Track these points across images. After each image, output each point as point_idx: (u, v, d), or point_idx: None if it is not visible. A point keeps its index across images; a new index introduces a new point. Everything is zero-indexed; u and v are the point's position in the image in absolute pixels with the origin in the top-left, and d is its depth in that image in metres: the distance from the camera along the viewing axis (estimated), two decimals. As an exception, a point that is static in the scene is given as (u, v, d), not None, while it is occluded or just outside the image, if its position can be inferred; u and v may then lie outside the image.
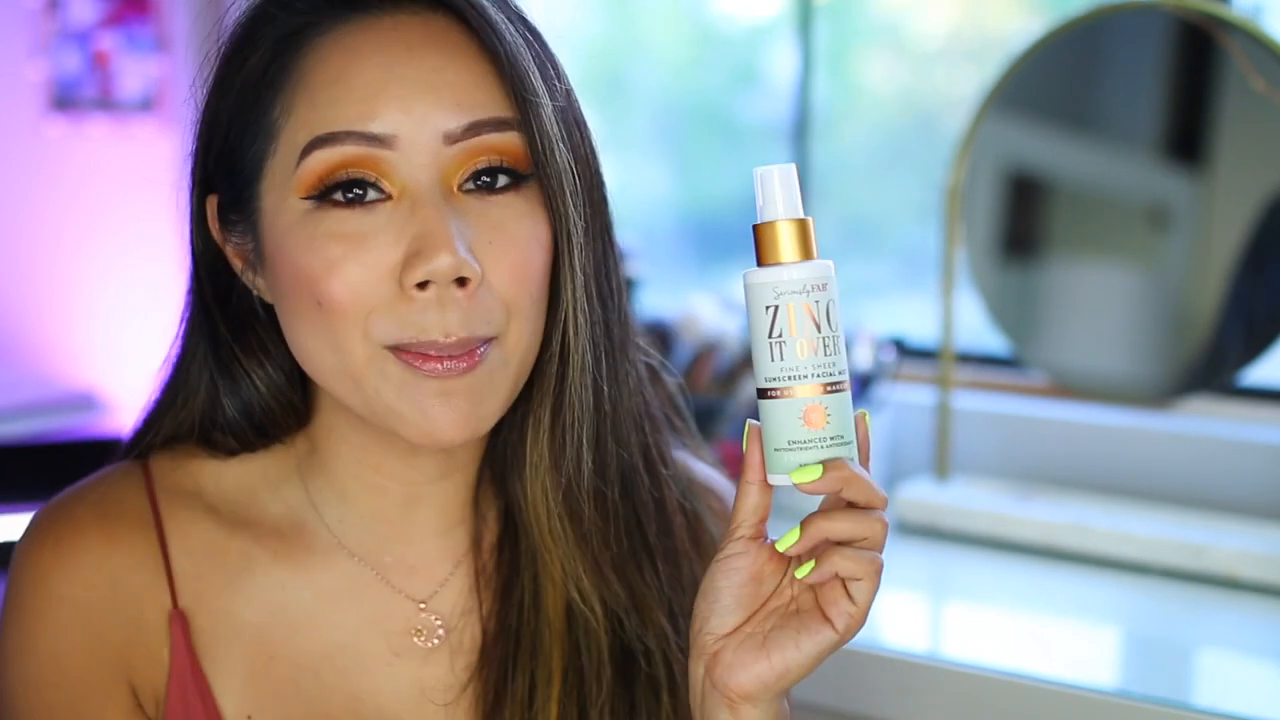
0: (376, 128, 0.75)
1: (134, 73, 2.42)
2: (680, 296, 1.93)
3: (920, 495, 1.56)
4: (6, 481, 2.16)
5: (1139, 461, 1.60)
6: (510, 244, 0.77)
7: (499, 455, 0.87)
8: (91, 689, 0.83)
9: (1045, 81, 1.63)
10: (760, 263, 0.73)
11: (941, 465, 1.62)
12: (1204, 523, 1.46)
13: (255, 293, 0.84)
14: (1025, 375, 1.73)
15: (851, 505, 0.73)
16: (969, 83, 2.00)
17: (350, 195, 0.75)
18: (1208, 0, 1.52)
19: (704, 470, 0.97)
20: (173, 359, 0.89)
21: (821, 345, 0.72)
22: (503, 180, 0.77)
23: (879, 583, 0.73)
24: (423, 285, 0.74)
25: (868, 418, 0.76)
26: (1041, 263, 1.69)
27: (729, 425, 1.69)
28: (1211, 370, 1.58)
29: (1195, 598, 1.36)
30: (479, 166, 0.77)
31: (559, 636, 0.85)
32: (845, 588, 0.73)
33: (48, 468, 2.22)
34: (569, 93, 0.81)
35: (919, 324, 1.83)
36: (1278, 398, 1.62)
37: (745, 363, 1.73)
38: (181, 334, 0.88)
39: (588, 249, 0.80)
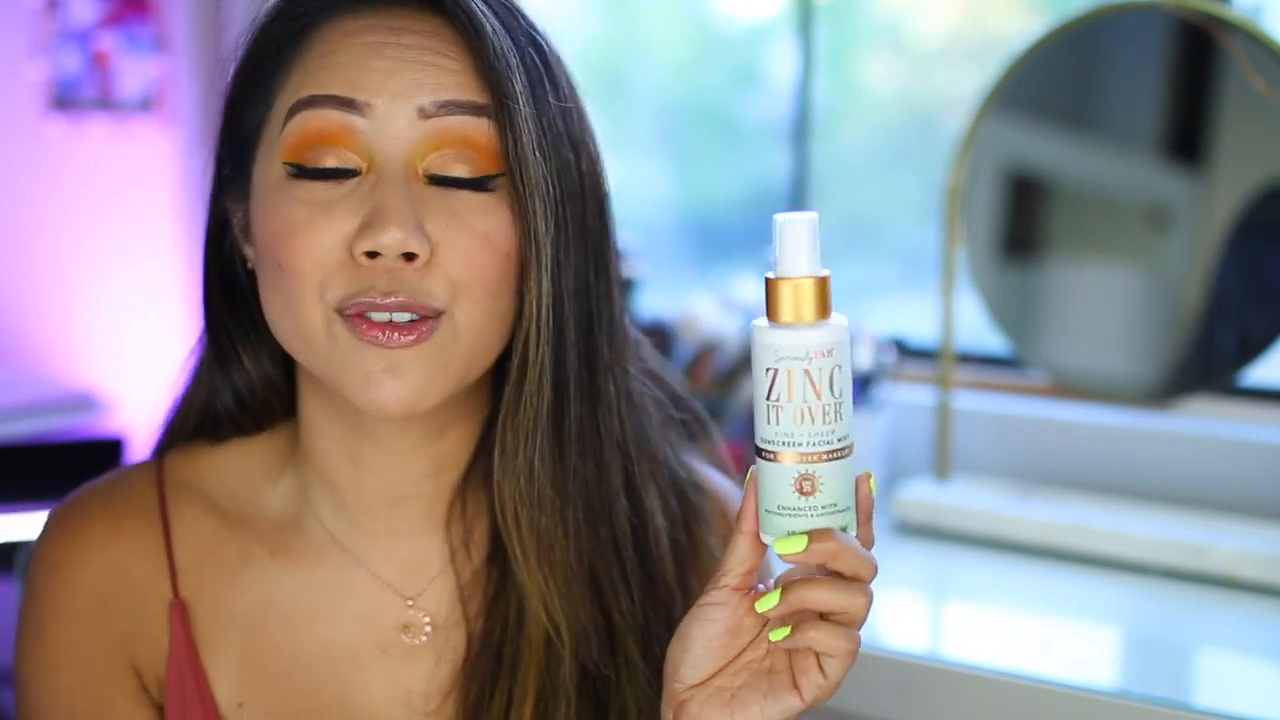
0: (354, 95, 0.78)
1: (134, 73, 2.42)
2: (680, 296, 1.93)
3: (920, 495, 1.56)
4: (6, 481, 2.16)
5: (1139, 461, 1.60)
6: (467, 232, 0.78)
7: (487, 462, 0.87)
8: (99, 672, 0.86)
9: (1045, 81, 1.63)
10: (769, 317, 0.70)
11: (941, 465, 1.62)
12: (1204, 523, 1.46)
13: (249, 263, 0.86)
14: (1025, 375, 1.73)
15: (839, 574, 0.71)
16: (969, 83, 2.00)
17: (325, 169, 0.78)
18: (1208, 0, 1.52)
19: (716, 484, 0.96)
20: (198, 340, 0.92)
21: (821, 413, 0.68)
22: (469, 176, 0.78)
23: (852, 662, 0.73)
24: (371, 255, 0.76)
25: (873, 481, 0.73)
26: (1041, 263, 1.69)
27: (729, 425, 1.69)
28: (1211, 370, 1.58)
29: (1195, 598, 1.36)
30: (447, 159, 0.78)
31: (538, 656, 0.85)
32: (818, 660, 0.73)
33: (48, 468, 2.22)
34: (567, 111, 0.82)
35: (919, 324, 1.83)
36: (1278, 398, 1.62)
37: (745, 363, 1.73)
38: (202, 318, 0.91)
39: (566, 266, 0.80)
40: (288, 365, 0.90)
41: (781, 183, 2.02)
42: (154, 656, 0.87)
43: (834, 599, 0.71)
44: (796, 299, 0.68)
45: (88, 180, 2.47)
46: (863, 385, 1.65)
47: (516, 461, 0.82)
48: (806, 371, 0.68)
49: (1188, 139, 1.60)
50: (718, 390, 1.73)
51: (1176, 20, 1.56)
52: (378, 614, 0.88)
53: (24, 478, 2.19)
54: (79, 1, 2.43)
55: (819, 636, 0.71)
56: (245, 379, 0.90)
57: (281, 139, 0.79)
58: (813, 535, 0.70)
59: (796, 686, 0.73)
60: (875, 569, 0.72)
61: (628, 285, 1.77)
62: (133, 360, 2.36)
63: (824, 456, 0.69)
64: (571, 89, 0.84)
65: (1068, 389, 1.67)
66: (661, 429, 0.93)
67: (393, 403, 0.77)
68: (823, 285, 0.68)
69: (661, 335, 1.78)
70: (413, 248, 0.75)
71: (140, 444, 2.24)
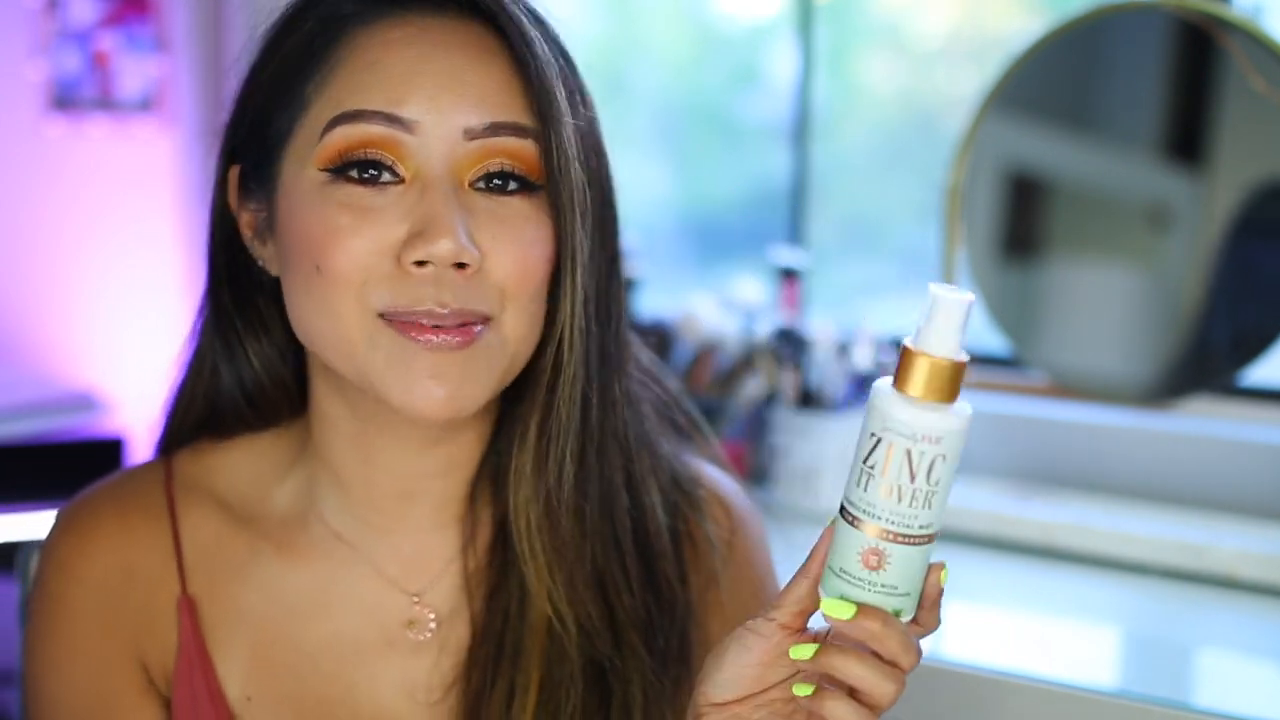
0: (402, 112, 0.78)
1: (134, 73, 2.42)
2: (680, 296, 1.93)
3: (920, 495, 1.56)
4: (6, 481, 2.16)
5: (1139, 461, 1.60)
6: (514, 240, 0.79)
7: (497, 461, 0.89)
8: (108, 668, 0.87)
9: (1045, 81, 1.63)
10: (895, 383, 0.67)
11: (941, 465, 1.62)
12: (1204, 523, 1.46)
13: (261, 263, 0.86)
14: (1025, 375, 1.73)
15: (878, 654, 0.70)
16: (969, 83, 2.00)
17: (366, 174, 0.78)
18: (1208, 0, 1.52)
19: (713, 476, 0.97)
20: (194, 332, 0.91)
21: (910, 496, 0.66)
22: (514, 185, 0.80)
23: None
24: (421, 264, 0.77)
25: (944, 573, 0.71)
26: (1041, 263, 1.69)
27: (728, 426, 1.69)
28: (1211, 370, 1.58)
29: (1195, 598, 1.36)
30: (492, 169, 0.79)
31: (540, 646, 0.85)
32: None
33: (48, 468, 2.22)
34: (592, 120, 0.84)
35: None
36: (1278, 398, 1.62)
37: (745, 363, 1.73)
38: (200, 310, 0.91)
39: (591, 270, 0.82)
40: (296, 363, 0.90)
41: (781, 183, 2.02)
42: (162, 652, 0.88)
43: (865, 678, 0.69)
44: (925, 377, 0.66)
45: (88, 180, 2.47)
46: (863, 385, 1.65)
47: (546, 466, 0.83)
48: (908, 451, 0.66)
49: (1188, 139, 1.60)
50: (717, 391, 1.72)
51: (1176, 20, 1.56)
52: (383, 610, 0.89)
53: (24, 478, 2.18)
54: (79, 1, 2.43)
55: (836, 709, 0.70)
56: (252, 376, 0.90)
57: (320, 147, 0.79)
58: (862, 610, 0.68)
59: None
60: (918, 659, 0.70)
61: (628, 285, 1.77)
62: (133, 360, 2.36)
63: (900, 538, 0.67)
64: (589, 94, 0.86)
65: (1068, 389, 1.67)
66: (657, 424, 0.94)
67: (436, 408, 0.78)
68: (957, 371, 0.66)
69: (661, 335, 1.78)
70: (465, 258, 0.76)
71: (140, 444, 2.24)
